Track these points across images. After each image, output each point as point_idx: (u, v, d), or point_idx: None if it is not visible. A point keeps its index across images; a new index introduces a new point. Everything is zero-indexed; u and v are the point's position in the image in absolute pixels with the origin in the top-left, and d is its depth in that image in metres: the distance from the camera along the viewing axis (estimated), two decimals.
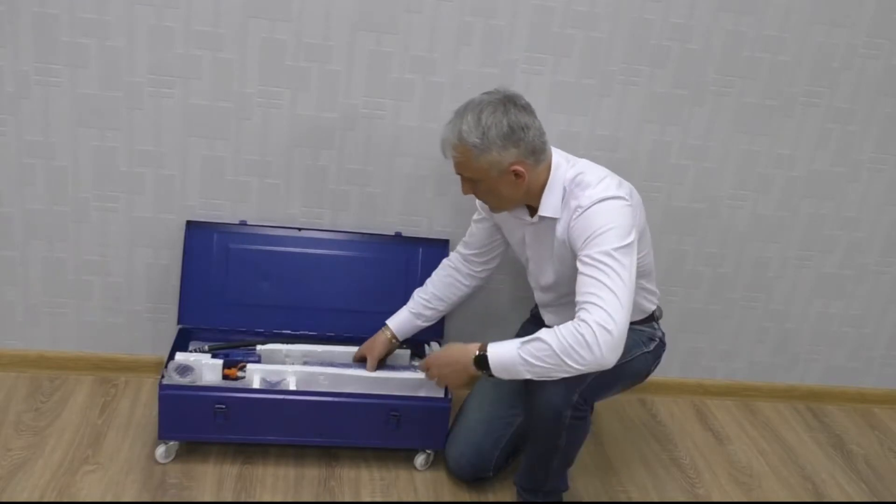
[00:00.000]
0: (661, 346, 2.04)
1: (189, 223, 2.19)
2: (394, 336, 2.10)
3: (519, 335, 2.07)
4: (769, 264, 2.52)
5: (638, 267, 1.75)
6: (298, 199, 2.25)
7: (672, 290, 2.49)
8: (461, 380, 1.82)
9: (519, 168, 1.72)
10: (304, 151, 2.20)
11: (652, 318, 2.02)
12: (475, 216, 2.05)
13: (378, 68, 2.14)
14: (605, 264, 1.66)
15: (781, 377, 2.69)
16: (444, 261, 2.13)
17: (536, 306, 2.14)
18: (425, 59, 2.14)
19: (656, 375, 2.57)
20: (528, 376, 1.69)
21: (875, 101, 2.35)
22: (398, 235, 2.29)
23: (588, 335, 1.61)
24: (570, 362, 1.63)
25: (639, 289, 1.90)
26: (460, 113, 1.73)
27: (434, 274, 2.12)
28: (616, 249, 1.67)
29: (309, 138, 2.19)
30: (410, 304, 2.11)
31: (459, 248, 2.11)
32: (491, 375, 1.73)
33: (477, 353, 1.74)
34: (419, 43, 2.13)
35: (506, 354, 1.70)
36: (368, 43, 2.11)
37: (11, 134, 2.09)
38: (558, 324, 1.90)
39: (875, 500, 2.28)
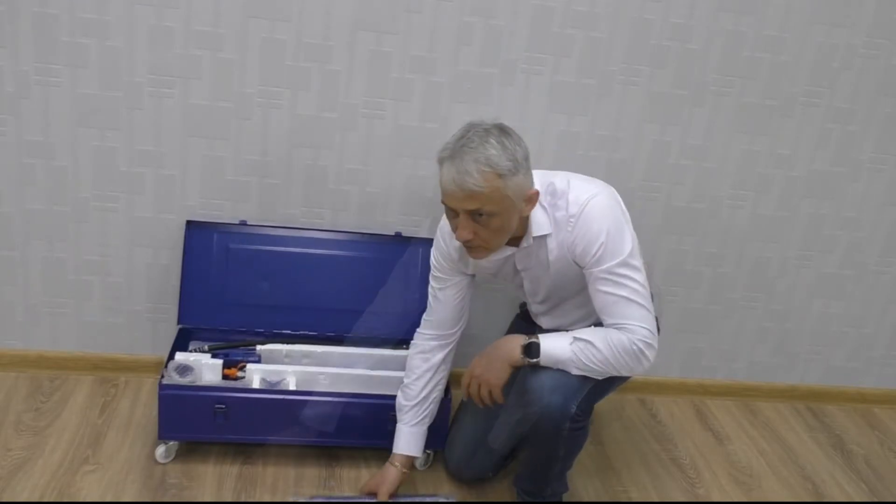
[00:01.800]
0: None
1: (189, 223, 2.19)
2: (407, 468, 1.94)
3: (510, 332, 2.12)
4: (769, 264, 2.52)
5: None
6: (298, 199, 2.25)
7: (672, 290, 2.49)
8: (505, 372, 1.74)
9: (535, 192, 1.68)
10: (304, 151, 2.20)
11: None
12: (437, 285, 1.92)
13: (378, 68, 2.14)
14: (623, 276, 1.69)
15: (781, 377, 2.69)
16: (417, 358, 1.95)
17: (524, 303, 2.14)
18: (425, 59, 2.14)
19: (656, 375, 2.59)
20: (575, 371, 1.71)
21: (875, 101, 2.35)
22: (398, 235, 2.29)
23: (637, 350, 1.68)
24: (618, 368, 1.70)
25: None
26: (474, 143, 1.60)
27: (412, 374, 1.95)
28: (627, 255, 1.69)
29: (309, 138, 2.19)
30: (410, 419, 1.94)
31: (430, 329, 1.95)
32: (533, 365, 1.72)
33: (527, 340, 1.73)
34: (419, 43, 2.13)
35: (558, 347, 1.71)
36: (368, 43, 2.11)
37: (11, 134, 2.09)
38: (555, 328, 1.93)
39: (875, 500, 2.28)
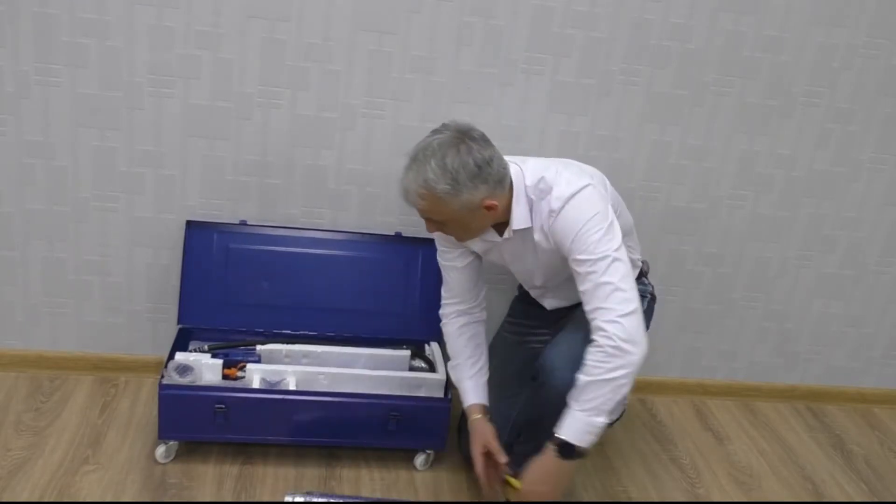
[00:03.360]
0: (653, 300, 2.06)
1: (189, 223, 2.19)
2: (487, 412, 1.95)
3: (510, 313, 2.22)
4: (769, 264, 2.52)
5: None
6: (298, 199, 2.25)
7: (672, 290, 2.49)
8: (562, 484, 1.73)
9: (491, 202, 1.70)
10: (304, 151, 2.20)
11: (641, 274, 2.04)
12: (445, 258, 1.97)
13: (378, 68, 2.14)
14: (593, 260, 1.67)
15: (781, 377, 2.69)
16: (448, 327, 2.00)
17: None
18: (425, 59, 2.14)
19: (656, 375, 2.59)
20: (607, 419, 1.67)
21: (875, 101, 2.35)
22: (398, 235, 2.29)
23: (610, 343, 1.63)
24: (615, 375, 1.63)
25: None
26: (419, 160, 1.66)
27: (451, 342, 2.00)
28: (602, 237, 1.67)
29: (309, 138, 2.19)
30: (464, 374, 1.96)
31: (452, 300, 1.99)
32: (581, 453, 1.69)
33: (556, 450, 1.68)
34: (419, 43, 2.13)
35: (575, 423, 1.66)
36: (368, 43, 2.11)
37: (11, 134, 2.09)
38: (559, 305, 2.02)
39: (875, 500, 2.28)
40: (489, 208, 1.71)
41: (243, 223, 2.23)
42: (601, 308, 1.65)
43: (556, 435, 1.68)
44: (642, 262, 2.07)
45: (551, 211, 1.73)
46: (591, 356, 1.65)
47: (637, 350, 1.64)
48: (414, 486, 2.07)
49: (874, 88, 2.33)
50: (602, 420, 1.66)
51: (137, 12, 2.02)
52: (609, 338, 1.63)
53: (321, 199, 2.26)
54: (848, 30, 2.25)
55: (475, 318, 2.00)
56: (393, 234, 2.29)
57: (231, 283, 2.19)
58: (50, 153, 2.12)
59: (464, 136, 1.67)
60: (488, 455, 1.88)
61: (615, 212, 1.81)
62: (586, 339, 1.81)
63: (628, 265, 1.70)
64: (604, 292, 1.65)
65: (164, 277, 2.28)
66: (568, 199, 1.71)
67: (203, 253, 2.18)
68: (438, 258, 1.99)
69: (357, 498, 1.97)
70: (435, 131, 1.71)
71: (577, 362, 1.76)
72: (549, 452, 1.70)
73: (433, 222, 1.76)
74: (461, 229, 1.77)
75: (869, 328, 2.66)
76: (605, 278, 1.66)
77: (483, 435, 1.90)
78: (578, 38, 2.17)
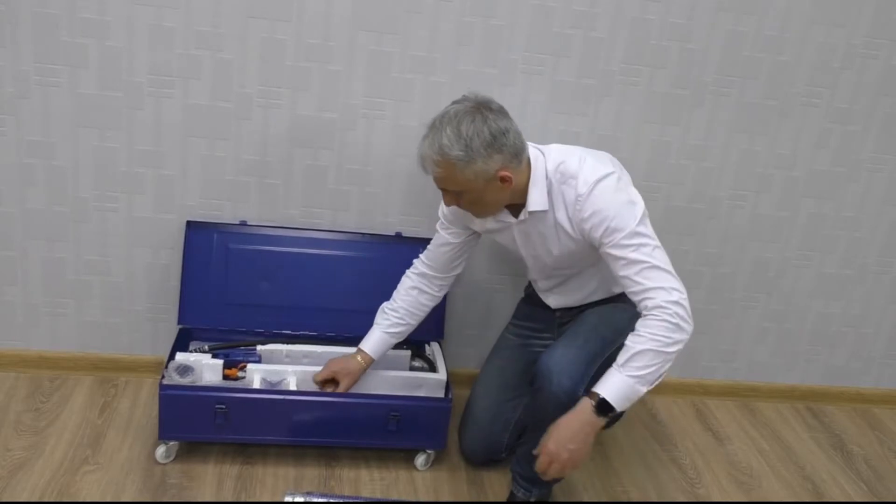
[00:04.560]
0: None
1: (189, 223, 2.19)
2: (368, 361, 2.03)
3: (515, 315, 2.22)
4: (769, 264, 2.52)
5: None
6: (298, 199, 2.25)
7: None
8: (590, 444, 1.68)
9: (505, 174, 1.71)
10: (304, 151, 2.20)
11: None
12: (439, 240, 2.00)
13: (378, 68, 2.14)
14: (637, 245, 1.69)
15: (781, 377, 2.69)
16: (408, 279, 2.04)
17: (529, 285, 2.16)
18: (425, 59, 2.14)
19: None
20: (648, 388, 1.67)
21: (875, 101, 2.35)
22: (398, 235, 2.29)
23: (672, 319, 1.65)
24: (672, 350, 1.65)
25: None
26: (436, 127, 1.69)
27: (401, 291, 2.05)
28: (638, 224, 1.70)
29: (309, 138, 2.19)
30: (383, 323, 2.04)
31: (421, 267, 2.03)
32: (616, 417, 1.70)
33: (593, 403, 1.65)
34: (419, 43, 2.13)
35: (619, 386, 1.64)
36: (368, 43, 2.11)
37: (11, 134, 2.09)
38: (563, 304, 2.02)
39: (875, 500, 2.28)
40: (504, 180, 1.71)
41: (243, 223, 2.23)
42: (659, 288, 1.66)
43: (595, 391, 1.65)
44: None
45: (578, 196, 1.74)
46: (651, 328, 1.64)
47: (690, 332, 1.68)
48: (414, 486, 2.07)
49: (874, 88, 2.33)
50: (644, 390, 1.65)
51: (137, 12, 2.01)
52: (672, 315, 1.64)
53: (321, 199, 2.26)
54: (848, 30, 2.25)
55: (431, 289, 2.03)
56: (393, 234, 2.29)
57: (231, 283, 2.19)
58: (50, 153, 2.12)
59: (481, 107, 1.70)
60: (332, 383, 2.02)
61: None
62: (585, 347, 1.82)
63: (655, 239, 1.72)
64: (657, 274, 1.67)
65: (164, 277, 2.28)
66: (595, 184, 1.72)
67: (203, 253, 2.18)
68: (437, 226, 2.01)
69: (357, 498, 1.97)
70: (455, 102, 1.73)
71: (574, 369, 1.77)
72: (586, 407, 1.65)
73: (450, 194, 1.76)
74: (476, 203, 1.76)
75: (869, 328, 2.66)
76: (655, 261, 1.68)
77: (345, 367, 2.01)
78: (578, 38, 2.17)
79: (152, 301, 2.30)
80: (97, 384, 2.31)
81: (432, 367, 2.17)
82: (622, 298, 1.99)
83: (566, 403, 1.75)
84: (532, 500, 1.97)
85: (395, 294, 2.05)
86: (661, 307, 1.65)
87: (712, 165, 2.36)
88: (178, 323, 2.19)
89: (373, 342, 2.03)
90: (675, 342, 1.65)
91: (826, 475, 2.36)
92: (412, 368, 2.18)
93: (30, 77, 2.04)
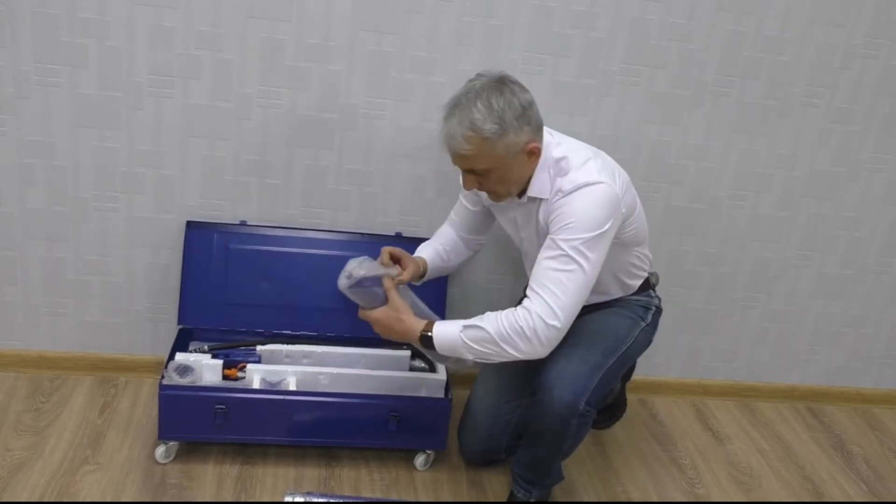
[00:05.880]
0: (658, 312, 2.05)
1: (189, 223, 2.19)
2: (425, 266, 1.98)
3: None
4: (769, 264, 2.52)
5: (632, 236, 1.84)
6: (298, 199, 2.25)
7: (672, 290, 2.49)
8: (401, 340, 1.83)
9: (534, 145, 1.70)
10: (304, 151, 2.20)
11: (648, 286, 2.03)
12: (469, 206, 2.00)
13: (378, 68, 2.14)
14: (570, 258, 1.67)
15: (781, 377, 2.69)
16: (445, 232, 2.04)
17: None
18: (425, 59, 2.14)
19: (656, 375, 2.59)
20: (470, 357, 1.73)
21: (875, 101, 2.35)
22: (398, 235, 2.29)
23: (527, 327, 1.65)
24: (508, 349, 1.68)
25: (635, 256, 1.94)
26: (462, 104, 1.65)
27: (441, 236, 2.04)
28: (585, 242, 1.67)
29: (309, 138, 2.19)
30: (437, 244, 2.02)
31: (456, 228, 2.04)
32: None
33: (422, 332, 1.76)
34: (419, 43, 2.13)
35: (450, 336, 1.73)
36: (368, 43, 2.11)
37: (11, 134, 2.09)
38: None
39: (875, 500, 2.28)
40: (532, 153, 1.71)
41: (243, 223, 2.23)
42: (547, 304, 1.66)
43: (434, 329, 1.74)
44: (650, 275, 2.03)
45: (559, 191, 1.72)
46: (510, 321, 1.67)
47: (535, 353, 1.68)
48: (414, 486, 2.07)
49: (874, 88, 2.33)
50: (468, 358, 1.74)
51: (137, 12, 2.02)
52: (532, 330, 1.65)
53: (321, 199, 2.26)
54: (848, 30, 2.25)
55: (467, 242, 2.04)
56: (393, 234, 2.29)
57: (231, 283, 2.19)
58: (50, 153, 2.12)
59: (504, 80, 1.68)
60: (398, 260, 1.93)
61: (630, 217, 1.81)
62: (585, 358, 1.81)
63: (588, 288, 1.70)
64: (559, 292, 1.66)
65: (164, 277, 2.28)
66: (579, 187, 1.70)
67: (203, 253, 2.18)
68: (468, 207, 2.00)
69: (357, 498, 1.97)
70: (471, 80, 1.70)
71: (575, 382, 1.77)
72: (416, 329, 1.76)
73: (473, 175, 1.73)
74: (503, 181, 1.73)
75: (869, 328, 2.66)
76: (567, 282, 1.66)
77: (411, 257, 1.95)
78: (578, 38, 2.17)
79: (152, 301, 2.30)
80: (97, 384, 2.31)
81: (432, 368, 2.17)
82: (620, 302, 1.99)
83: (566, 417, 1.76)
84: (532, 500, 1.97)
85: (435, 238, 2.05)
86: (532, 315, 1.66)
87: (712, 165, 2.36)
88: (178, 323, 2.19)
89: (427, 252, 2.00)
90: (515, 348, 1.68)
91: (826, 475, 2.36)
92: (412, 368, 2.17)
93: (30, 77, 2.04)
